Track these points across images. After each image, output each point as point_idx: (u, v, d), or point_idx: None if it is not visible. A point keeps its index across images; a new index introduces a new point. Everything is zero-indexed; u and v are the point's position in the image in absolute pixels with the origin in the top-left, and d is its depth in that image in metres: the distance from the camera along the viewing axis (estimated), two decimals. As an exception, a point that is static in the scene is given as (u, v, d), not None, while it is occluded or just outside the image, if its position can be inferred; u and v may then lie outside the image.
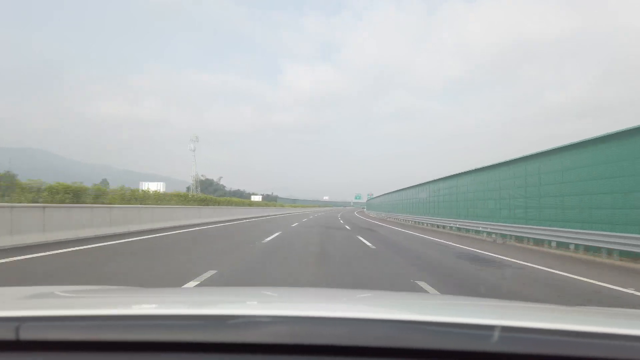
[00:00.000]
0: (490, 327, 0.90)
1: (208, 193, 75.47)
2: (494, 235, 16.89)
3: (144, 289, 2.21)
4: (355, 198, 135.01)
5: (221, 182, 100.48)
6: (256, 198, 62.16)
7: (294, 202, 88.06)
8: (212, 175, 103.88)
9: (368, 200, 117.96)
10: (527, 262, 9.72)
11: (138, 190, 18.28)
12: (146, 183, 44.38)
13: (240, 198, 56.04)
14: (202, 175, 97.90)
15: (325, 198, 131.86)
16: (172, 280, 5.80)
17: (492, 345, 0.86)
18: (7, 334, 0.88)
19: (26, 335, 0.88)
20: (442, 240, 15.61)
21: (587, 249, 11.66)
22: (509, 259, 10.24)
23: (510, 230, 15.83)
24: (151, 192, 19.75)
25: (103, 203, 13.60)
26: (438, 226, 25.13)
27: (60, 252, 8.05)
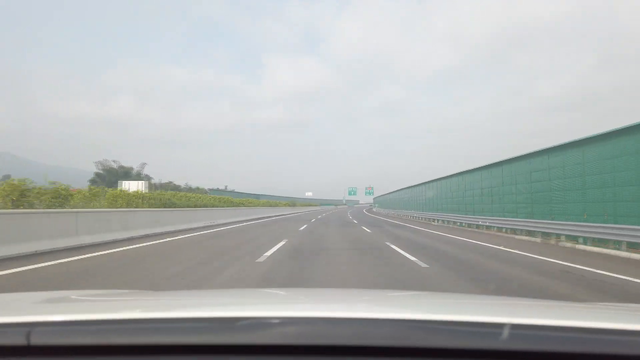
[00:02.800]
0: (499, 325, 0.90)
1: (115, 187, 42.88)
2: None
3: (155, 292, 2.37)
4: (349, 194, 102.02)
5: (145, 172, 64.96)
6: (132, 186, 27.69)
7: (256, 198, 53.16)
8: (132, 163, 68.29)
9: (376, 197, 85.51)
10: None
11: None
12: None
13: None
14: (113, 161, 62.58)
15: (309, 194, 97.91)
16: None
17: (502, 342, 0.86)
18: (19, 340, 0.89)
19: (37, 340, 0.89)
20: None
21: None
22: None
23: None
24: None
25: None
26: None
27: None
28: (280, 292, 2.30)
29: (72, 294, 1.72)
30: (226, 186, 68.96)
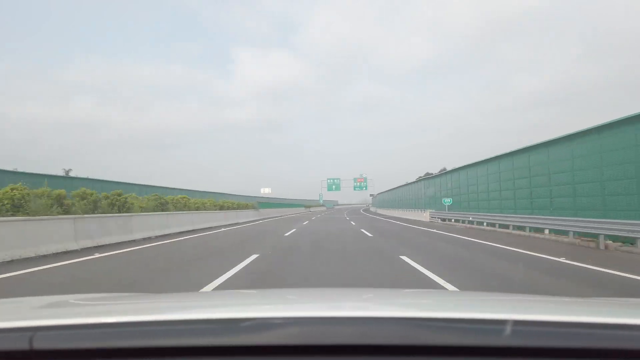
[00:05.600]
0: (502, 322, 0.89)
1: None
2: None
3: (156, 295, 2.37)
4: (329, 189, 67.46)
5: None
6: None
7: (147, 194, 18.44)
8: None
9: (382, 193, 52.01)
10: None
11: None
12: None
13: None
14: None
15: (266, 191, 63.86)
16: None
17: (505, 339, 0.86)
18: (21, 344, 0.88)
19: (40, 344, 0.88)
20: None
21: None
22: None
23: None
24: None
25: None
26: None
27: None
28: (282, 292, 2.30)
29: (73, 297, 1.71)
30: (85, 176, 32.33)
